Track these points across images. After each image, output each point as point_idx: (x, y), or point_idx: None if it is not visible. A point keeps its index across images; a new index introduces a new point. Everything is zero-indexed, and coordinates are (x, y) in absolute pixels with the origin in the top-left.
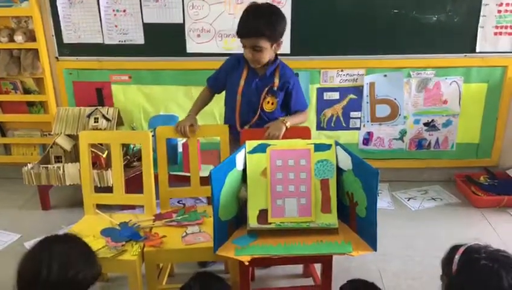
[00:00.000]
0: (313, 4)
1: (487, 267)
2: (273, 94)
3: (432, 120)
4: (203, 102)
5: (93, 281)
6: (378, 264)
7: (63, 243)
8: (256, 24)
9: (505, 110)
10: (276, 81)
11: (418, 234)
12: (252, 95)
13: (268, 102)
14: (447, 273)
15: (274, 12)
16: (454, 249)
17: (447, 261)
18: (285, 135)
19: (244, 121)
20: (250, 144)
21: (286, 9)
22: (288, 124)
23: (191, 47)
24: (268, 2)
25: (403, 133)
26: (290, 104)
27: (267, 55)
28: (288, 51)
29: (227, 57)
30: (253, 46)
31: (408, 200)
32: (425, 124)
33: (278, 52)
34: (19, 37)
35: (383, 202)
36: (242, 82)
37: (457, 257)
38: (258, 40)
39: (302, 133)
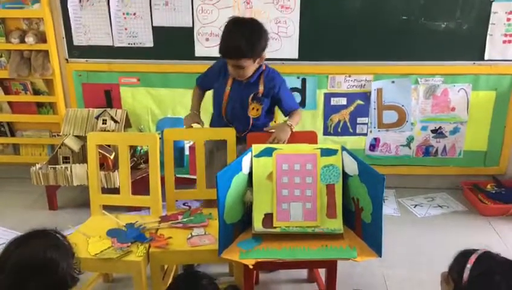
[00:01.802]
0: (322, 9)
1: (503, 284)
2: (258, 101)
3: (440, 127)
4: (199, 99)
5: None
6: (383, 271)
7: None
8: (237, 45)
9: None
10: (261, 88)
11: (424, 241)
12: (237, 102)
13: (253, 108)
14: (455, 279)
15: (254, 30)
16: (464, 255)
17: (457, 268)
18: (291, 140)
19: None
20: (257, 148)
21: (295, 15)
22: (293, 127)
23: (199, 51)
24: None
25: (410, 139)
26: (282, 107)
27: (250, 70)
28: (296, 56)
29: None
30: (235, 65)
31: (414, 207)
32: (433, 131)
33: (265, 58)
34: (29, 39)
35: (389, 208)
36: (228, 89)
37: (468, 266)
38: (239, 60)
39: (309, 137)
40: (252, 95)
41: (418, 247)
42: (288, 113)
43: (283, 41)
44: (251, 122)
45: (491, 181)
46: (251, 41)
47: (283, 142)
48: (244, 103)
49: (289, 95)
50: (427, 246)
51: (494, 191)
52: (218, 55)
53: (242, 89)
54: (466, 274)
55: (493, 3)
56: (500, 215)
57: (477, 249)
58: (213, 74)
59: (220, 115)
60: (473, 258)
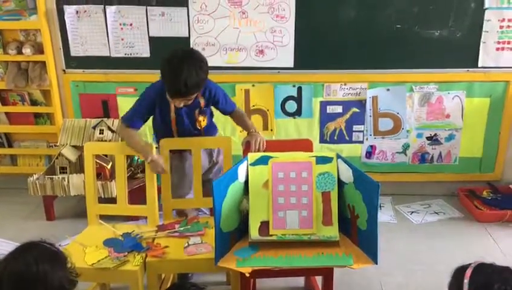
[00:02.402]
0: (317, 19)
1: None
2: (203, 113)
3: (435, 134)
4: (139, 136)
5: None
6: (380, 278)
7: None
8: (184, 85)
9: (507, 125)
10: (202, 101)
11: (421, 248)
12: (185, 122)
13: (199, 121)
14: None
15: (197, 64)
16: (460, 272)
17: (456, 285)
18: (288, 148)
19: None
20: (253, 156)
21: (290, 24)
22: (257, 131)
23: None
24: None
25: (406, 146)
26: (220, 108)
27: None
28: (291, 65)
29: (147, 89)
30: (184, 100)
31: (411, 214)
32: (428, 138)
33: None
34: (27, 50)
35: (386, 215)
36: (172, 114)
37: (466, 281)
38: (188, 97)
39: (304, 145)
40: (197, 111)
41: (415, 254)
42: (227, 113)
43: (278, 50)
44: (201, 130)
45: (487, 187)
46: (197, 78)
47: (264, 141)
48: (192, 120)
49: (225, 97)
50: (423, 252)
51: (490, 198)
52: (214, 64)
53: (186, 110)
54: (465, 289)
55: (486, 11)
56: (496, 222)
57: (471, 263)
58: (148, 106)
59: (169, 133)
60: (468, 272)
